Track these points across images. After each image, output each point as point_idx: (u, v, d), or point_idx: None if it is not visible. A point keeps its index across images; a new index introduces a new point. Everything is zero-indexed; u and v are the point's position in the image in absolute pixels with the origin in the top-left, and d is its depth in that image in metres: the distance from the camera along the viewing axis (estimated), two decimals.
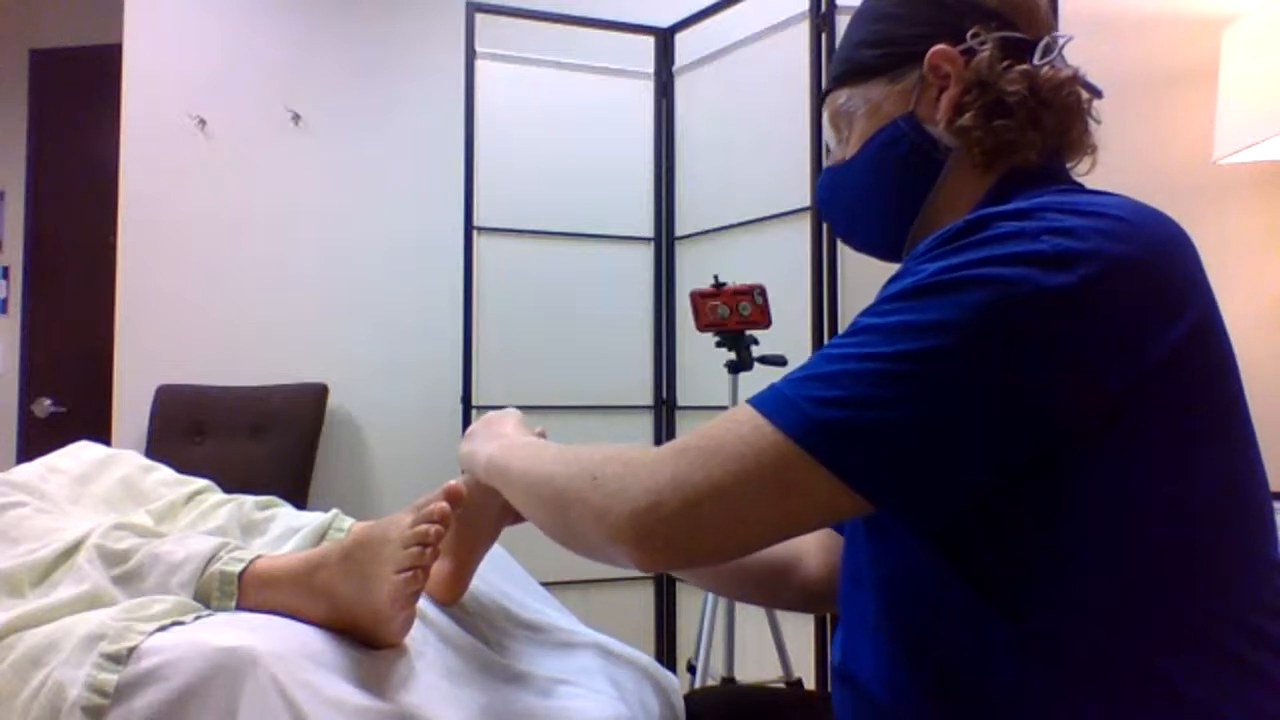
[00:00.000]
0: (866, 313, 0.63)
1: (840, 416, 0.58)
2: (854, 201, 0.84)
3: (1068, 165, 0.77)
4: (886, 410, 0.57)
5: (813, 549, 0.96)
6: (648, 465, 0.63)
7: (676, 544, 0.61)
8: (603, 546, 0.65)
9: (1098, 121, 0.76)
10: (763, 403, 0.62)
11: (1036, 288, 0.56)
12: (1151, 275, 0.59)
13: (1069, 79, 0.73)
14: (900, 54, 0.77)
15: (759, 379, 1.65)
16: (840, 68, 0.83)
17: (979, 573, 0.61)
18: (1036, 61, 0.73)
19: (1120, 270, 0.58)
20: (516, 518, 0.92)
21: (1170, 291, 0.60)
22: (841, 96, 0.82)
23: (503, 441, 0.85)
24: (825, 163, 0.88)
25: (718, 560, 0.64)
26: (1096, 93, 0.76)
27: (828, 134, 0.86)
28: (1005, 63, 0.72)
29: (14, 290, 3.31)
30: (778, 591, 0.99)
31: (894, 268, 0.69)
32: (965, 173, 0.75)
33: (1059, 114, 0.73)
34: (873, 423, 0.57)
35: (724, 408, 1.78)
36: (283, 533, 1.07)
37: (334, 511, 1.10)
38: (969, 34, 0.73)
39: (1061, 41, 0.75)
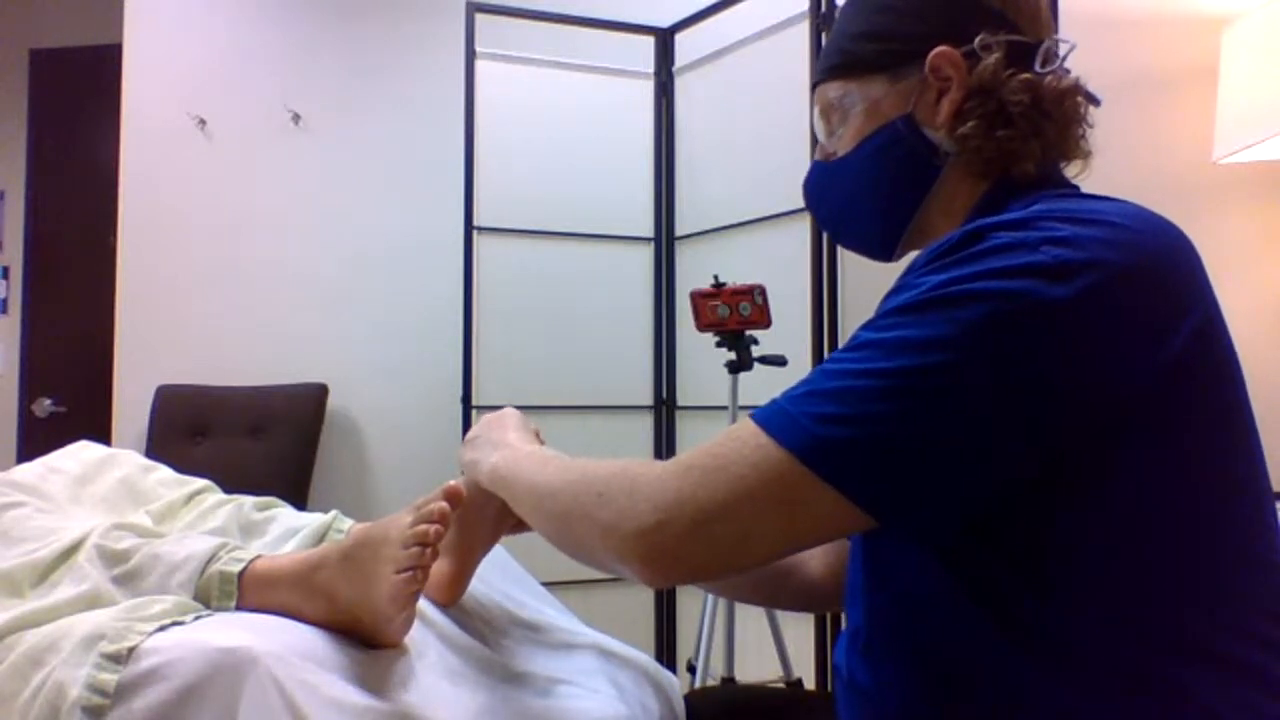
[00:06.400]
0: (867, 326, 0.62)
1: (842, 433, 0.58)
2: (846, 200, 0.83)
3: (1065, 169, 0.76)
4: (889, 426, 0.57)
5: (815, 551, 0.95)
6: (653, 483, 0.63)
7: (682, 561, 0.62)
8: (609, 562, 0.66)
9: (1090, 126, 0.75)
10: (765, 419, 0.61)
11: (1037, 300, 0.56)
12: (1152, 283, 0.59)
13: (1071, 89, 0.72)
14: (902, 52, 0.75)
15: (759, 379, 1.66)
16: (836, 59, 0.80)
17: (981, 580, 0.61)
18: (1039, 69, 0.71)
19: (1121, 279, 0.58)
20: (518, 524, 0.92)
21: (1171, 298, 0.60)
22: (836, 89, 0.80)
23: (506, 452, 0.84)
24: (815, 155, 0.86)
25: (724, 576, 0.64)
26: (1095, 102, 0.74)
27: (816, 125, 0.84)
28: (1009, 71, 0.71)
29: (14, 290, 3.31)
30: (778, 594, 0.99)
31: (896, 269, 0.68)
32: (961, 178, 0.74)
33: (1060, 124, 0.72)
34: (875, 439, 0.57)
35: (724, 408, 1.78)
36: (282, 534, 1.07)
37: (334, 512, 1.10)
38: (976, 39, 0.71)
39: (1065, 49, 0.74)
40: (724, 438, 0.63)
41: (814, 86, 0.84)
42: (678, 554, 0.61)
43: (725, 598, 1.70)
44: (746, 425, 0.62)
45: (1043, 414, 0.56)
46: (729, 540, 0.60)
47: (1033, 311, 0.56)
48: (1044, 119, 0.71)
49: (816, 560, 0.95)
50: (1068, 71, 0.74)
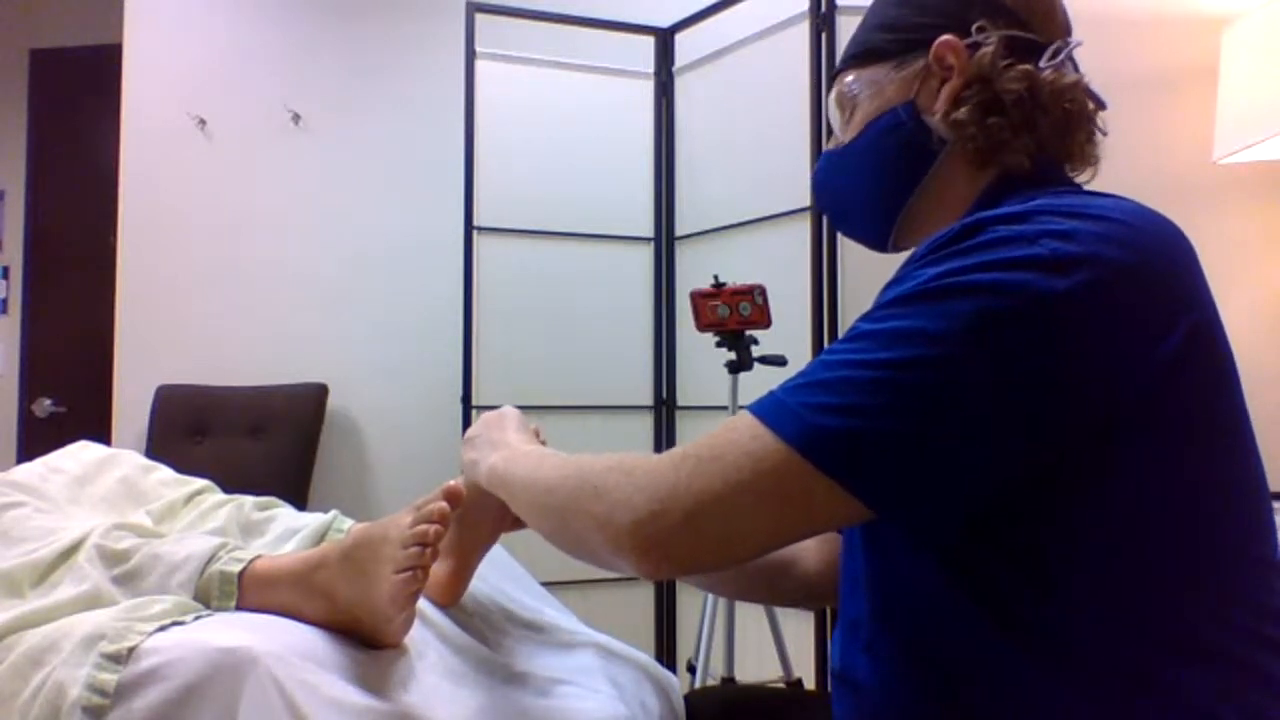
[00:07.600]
0: (865, 318, 0.62)
1: (839, 424, 0.58)
2: (847, 187, 0.84)
3: (1070, 174, 0.76)
4: (885, 418, 0.57)
5: (811, 545, 0.95)
6: (648, 475, 0.63)
7: (678, 553, 0.61)
8: (606, 556, 0.65)
9: (1104, 134, 0.75)
10: (762, 410, 0.61)
11: (1034, 294, 0.56)
12: (1150, 279, 0.59)
13: (1071, 85, 0.72)
14: (909, 40, 0.76)
15: (759, 379, 1.66)
16: (853, 48, 0.82)
17: (981, 579, 0.61)
18: (1042, 64, 0.72)
19: (1118, 275, 0.57)
20: (516, 522, 0.92)
21: (1169, 295, 0.60)
22: (849, 78, 0.82)
23: (504, 451, 0.84)
24: (827, 146, 0.87)
25: (720, 567, 0.64)
26: (1100, 104, 0.75)
27: (833, 115, 0.85)
28: (1008, 61, 0.71)
29: (14, 290, 3.31)
30: (776, 590, 0.99)
31: (895, 266, 0.68)
32: (958, 168, 0.75)
33: (1057, 119, 0.72)
34: (872, 430, 0.57)
35: (724, 408, 1.78)
36: (282, 534, 1.07)
37: (334, 512, 1.10)
38: (975, 27, 0.73)
39: (1069, 46, 0.74)
40: (721, 429, 0.63)
41: (832, 79, 0.85)
42: (672, 545, 0.61)
43: (724, 596, 1.70)
44: (743, 417, 0.62)
45: (1044, 409, 0.56)
46: (724, 532, 0.60)
47: (1030, 304, 0.56)
48: (1038, 112, 0.71)
49: (813, 555, 0.95)
50: (1074, 70, 0.74)
